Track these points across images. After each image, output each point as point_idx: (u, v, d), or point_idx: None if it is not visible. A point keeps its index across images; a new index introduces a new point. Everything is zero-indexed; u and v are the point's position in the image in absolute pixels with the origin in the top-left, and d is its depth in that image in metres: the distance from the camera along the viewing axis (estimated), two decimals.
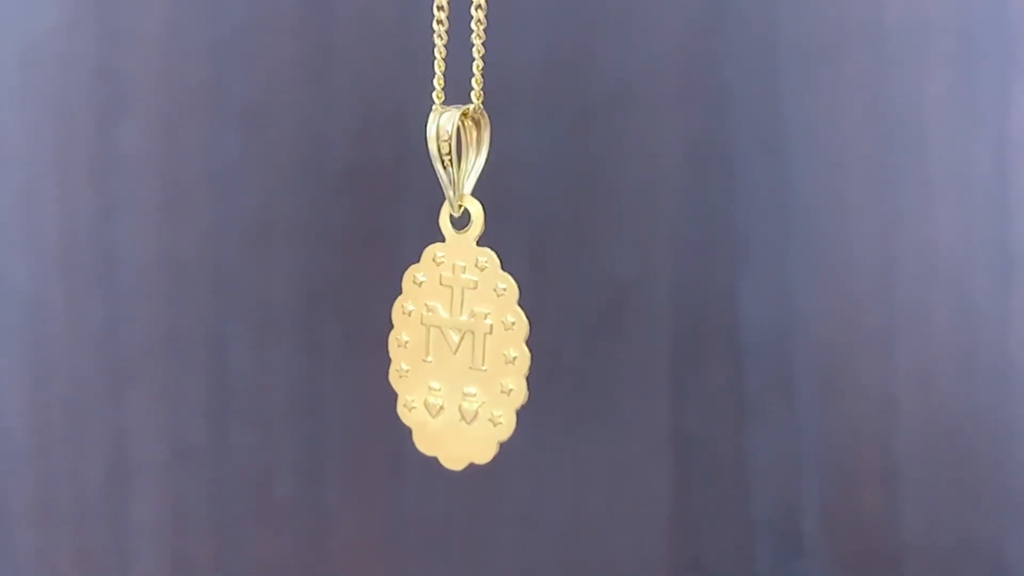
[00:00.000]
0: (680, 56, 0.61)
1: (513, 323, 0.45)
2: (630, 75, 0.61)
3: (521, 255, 0.61)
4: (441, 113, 0.45)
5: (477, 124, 0.46)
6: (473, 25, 0.46)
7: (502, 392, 0.45)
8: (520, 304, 0.45)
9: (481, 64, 0.45)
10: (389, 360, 0.47)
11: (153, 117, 0.62)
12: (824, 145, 0.60)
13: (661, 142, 0.61)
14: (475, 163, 0.46)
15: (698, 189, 0.61)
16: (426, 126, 0.45)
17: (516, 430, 0.45)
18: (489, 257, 0.46)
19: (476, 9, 0.45)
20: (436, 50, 0.45)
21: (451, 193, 0.46)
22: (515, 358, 0.45)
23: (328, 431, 0.63)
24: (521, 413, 0.45)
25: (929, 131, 0.60)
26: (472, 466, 0.46)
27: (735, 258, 0.61)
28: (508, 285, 0.45)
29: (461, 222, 0.47)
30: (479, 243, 0.46)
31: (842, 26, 0.60)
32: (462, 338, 0.46)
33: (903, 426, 0.61)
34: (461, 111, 0.46)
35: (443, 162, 0.45)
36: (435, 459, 0.47)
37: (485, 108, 0.46)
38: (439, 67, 0.46)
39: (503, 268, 0.46)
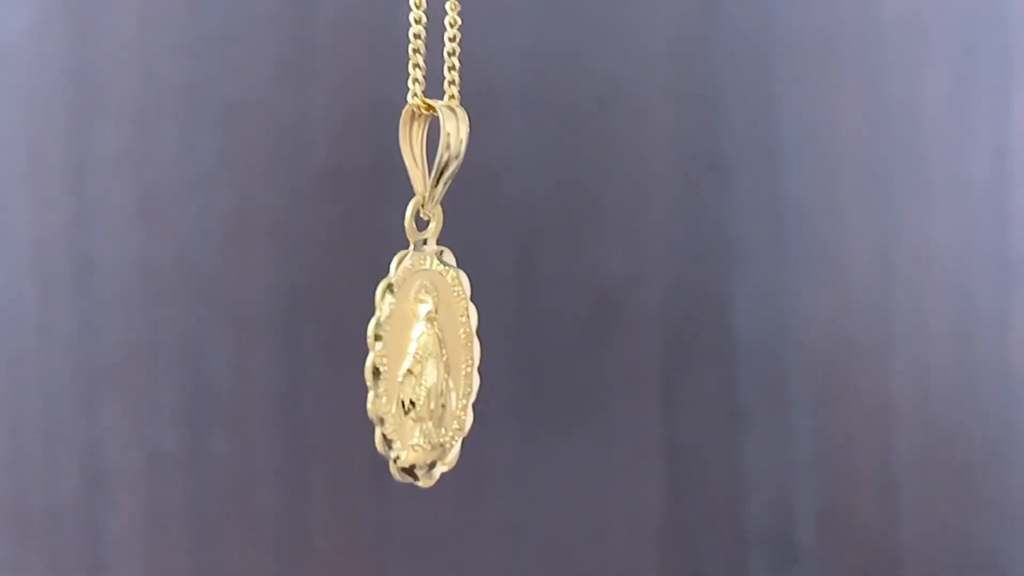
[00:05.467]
0: (670, 56, 0.61)
1: None
2: (619, 75, 0.61)
3: (508, 258, 0.61)
4: (457, 112, 0.44)
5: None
6: (446, 23, 0.44)
7: None
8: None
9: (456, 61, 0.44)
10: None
11: (129, 118, 0.61)
12: (818, 147, 0.60)
13: (651, 144, 0.61)
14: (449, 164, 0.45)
15: (689, 192, 0.61)
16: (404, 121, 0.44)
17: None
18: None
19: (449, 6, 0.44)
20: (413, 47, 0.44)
21: (434, 195, 0.45)
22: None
23: (309, 439, 0.62)
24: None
25: (926, 132, 0.60)
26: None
27: (727, 262, 0.61)
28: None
29: (421, 224, 0.46)
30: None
31: (836, 25, 0.60)
32: None
33: (900, 433, 0.61)
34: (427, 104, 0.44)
35: (445, 162, 0.44)
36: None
37: (468, 107, 0.45)
38: (417, 57, 0.44)
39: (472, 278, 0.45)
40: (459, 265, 0.46)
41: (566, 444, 0.62)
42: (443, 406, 0.46)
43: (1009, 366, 0.60)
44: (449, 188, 0.47)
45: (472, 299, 0.47)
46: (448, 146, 0.44)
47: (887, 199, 0.60)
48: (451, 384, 0.46)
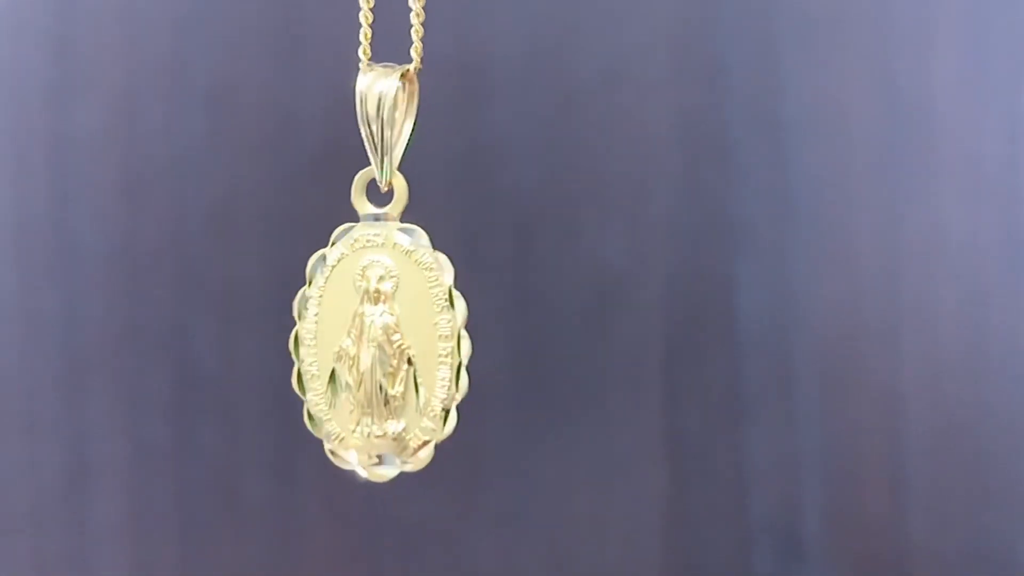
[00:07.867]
0: (673, 32, 0.60)
1: None
2: (620, 52, 0.60)
3: (505, 244, 0.61)
4: (375, 73, 0.43)
5: (411, 86, 0.44)
6: None
7: None
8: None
9: (420, 22, 0.43)
10: None
11: (112, 96, 0.61)
12: (826, 126, 0.60)
13: (653, 123, 0.61)
14: (405, 130, 0.44)
15: (693, 173, 0.61)
16: (355, 86, 0.43)
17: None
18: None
19: None
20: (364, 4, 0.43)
21: (384, 164, 0.43)
22: None
23: (299, 429, 0.61)
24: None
25: (936, 113, 0.60)
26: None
27: (732, 246, 0.60)
28: None
29: (385, 199, 0.45)
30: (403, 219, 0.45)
31: (844, 3, 0.60)
32: None
33: (909, 423, 0.61)
34: (399, 72, 0.43)
35: (376, 128, 0.43)
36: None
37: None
38: (366, 20, 0.43)
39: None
40: (449, 250, 0.44)
41: (566, 435, 0.62)
42: (402, 396, 0.44)
43: (1021, 354, 0.60)
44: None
45: (467, 287, 0.45)
46: (364, 108, 0.43)
47: (896, 182, 0.60)
48: (412, 375, 0.44)
